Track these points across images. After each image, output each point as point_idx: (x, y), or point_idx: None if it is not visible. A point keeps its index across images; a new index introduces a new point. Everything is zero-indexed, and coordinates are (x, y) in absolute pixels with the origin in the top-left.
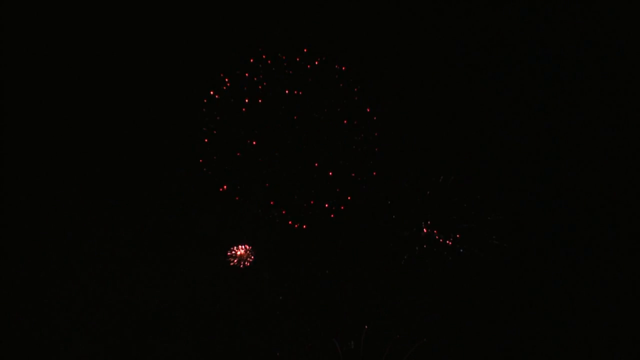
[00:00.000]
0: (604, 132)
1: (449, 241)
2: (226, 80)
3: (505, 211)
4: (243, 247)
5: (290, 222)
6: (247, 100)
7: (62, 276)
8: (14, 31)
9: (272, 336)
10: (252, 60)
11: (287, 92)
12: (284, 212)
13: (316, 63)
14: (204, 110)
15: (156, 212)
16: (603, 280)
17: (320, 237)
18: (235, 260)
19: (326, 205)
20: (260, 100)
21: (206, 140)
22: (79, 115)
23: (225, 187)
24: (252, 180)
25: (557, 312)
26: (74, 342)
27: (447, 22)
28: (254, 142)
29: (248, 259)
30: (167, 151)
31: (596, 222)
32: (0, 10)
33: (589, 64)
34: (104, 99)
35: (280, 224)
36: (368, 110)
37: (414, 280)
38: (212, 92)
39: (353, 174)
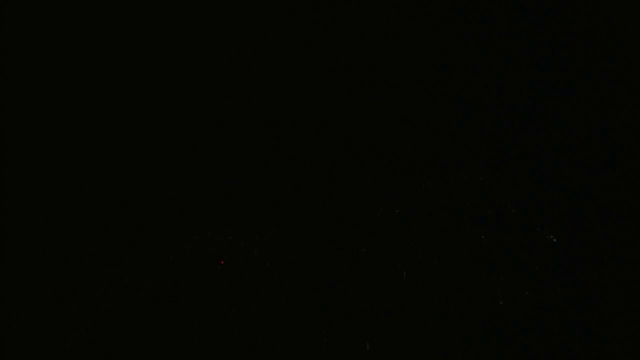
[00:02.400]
0: None
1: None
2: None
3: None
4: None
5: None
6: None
7: (62, 276)
8: (14, 31)
9: (272, 336)
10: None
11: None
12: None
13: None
14: (204, 109)
15: (156, 212)
16: None
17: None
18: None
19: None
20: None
21: (206, 140)
22: (79, 115)
23: (225, 186)
24: (253, 180)
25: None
26: (74, 342)
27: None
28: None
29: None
30: (167, 151)
31: None
32: (0, 10)
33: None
34: (104, 99)
35: (283, 223)
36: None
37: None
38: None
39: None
